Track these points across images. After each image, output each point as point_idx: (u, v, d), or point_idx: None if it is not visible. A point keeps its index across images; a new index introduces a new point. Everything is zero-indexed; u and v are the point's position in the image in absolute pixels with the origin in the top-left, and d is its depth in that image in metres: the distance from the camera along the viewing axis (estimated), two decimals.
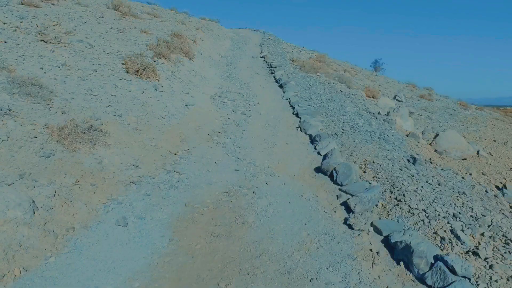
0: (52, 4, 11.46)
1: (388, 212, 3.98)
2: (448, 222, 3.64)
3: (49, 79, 6.79)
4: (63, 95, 6.42)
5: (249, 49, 16.06)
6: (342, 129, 6.58)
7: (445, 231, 3.53)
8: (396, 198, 4.17)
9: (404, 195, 4.16)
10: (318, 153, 5.81)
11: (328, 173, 5.07)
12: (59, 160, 4.91)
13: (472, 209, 3.91)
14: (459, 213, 3.83)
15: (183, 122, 7.30)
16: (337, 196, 4.59)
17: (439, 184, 4.62)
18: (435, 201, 4.03)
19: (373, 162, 5.15)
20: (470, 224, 3.61)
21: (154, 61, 9.44)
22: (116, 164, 5.36)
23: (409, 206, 3.96)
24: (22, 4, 10.14)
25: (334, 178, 4.89)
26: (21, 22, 8.82)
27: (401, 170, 4.90)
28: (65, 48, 8.33)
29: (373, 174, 4.86)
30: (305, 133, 6.65)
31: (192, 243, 3.78)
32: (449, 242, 3.37)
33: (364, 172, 4.97)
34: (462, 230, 3.53)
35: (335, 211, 4.26)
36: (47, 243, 3.63)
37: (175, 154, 5.97)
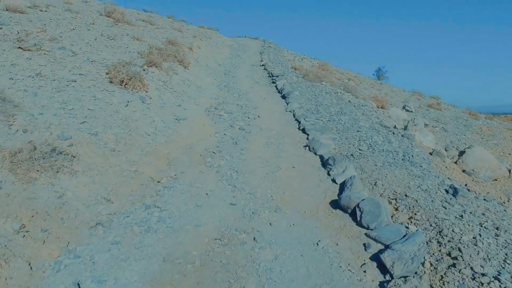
0: (40, 10, 10.34)
1: (442, 277, 2.76)
2: None
3: (17, 90, 5.63)
4: (30, 110, 5.25)
5: (248, 57, 14.93)
6: (359, 149, 5.38)
7: None
8: (449, 254, 2.95)
9: (460, 250, 2.94)
10: (333, 180, 4.60)
11: (349, 211, 3.86)
12: (5, 195, 3.72)
13: None
14: None
15: (172, 140, 6.10)
16: (364, 245, 3.37)
17: (497, 229, 3.40)
18: (507, 261, 2.81)
19: (406, 195, 3.94)
20: None
21: (144, 70, 8.28)
22: (82, 197, 4.15)
23: (471, 269, 2.73)
24: (7, 10, 9.02)
25: (358, 218, 3.67)
26: (0, 28, 7.68)
27: (444, 208, 3.68)
28: (44, 56, 7.15)
29: (409, 213, 3.65)
30: (315, 154, 5.45)
31: None
32: None
33: (396, 210, 3.75)
34: None
35: (364, 271, 3.04)
36: None
37: (158, 182, 4.77)
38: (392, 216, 3.66)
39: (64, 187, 4.16)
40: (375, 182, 4.30)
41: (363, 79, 17.22)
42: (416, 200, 3.80)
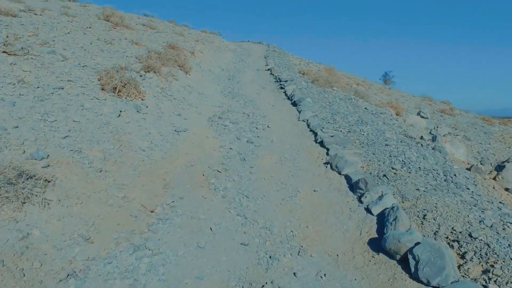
0: (35, 14, 9.46)
1: None
2: None
3: None
4: (4, 123, 4.34)
5: (253, 62, 14.00)
6: (392, 168, 4.40)
7: None
8: None
9: None
10: (368, 210, 3.62)
11: (398, 257, 2.88)
12: None
13: None
14: None
15: (170, 155, 5.14)
16: None
17: None
18: None
19: (471, 235, 2.95)
20: None
21: (141, 76, 7.36)
22: (53, 237, 3.19)
23: None
24: None
25: (412, 269, 2.69)
26: None
27: None
28: (31, 61, 6.24)
29: (482, 264, 2.66)
30: (339, 173, 4.47)
31: None
32: None
33: (463, 258, 2.76)
34: None
35: None
36: None
37: (151, 212, 3.80)
38: (459, 267, 2.68)
39: (31, 223, 3.20)
40: (424, 215, 3.32)
41: (371, 84, 16.26)
42: (488, 244, 2.81)
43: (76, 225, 3.38)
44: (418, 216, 3.34)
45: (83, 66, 6.87)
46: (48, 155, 4.11)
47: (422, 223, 3.23)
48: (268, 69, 11.88)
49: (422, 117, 11.37)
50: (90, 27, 9.90)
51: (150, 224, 3.56)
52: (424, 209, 3.42)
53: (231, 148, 5.49)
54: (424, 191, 3.81)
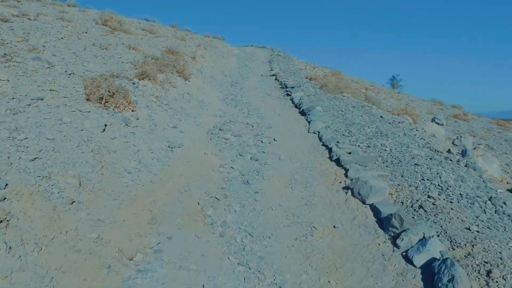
0: (28, 19, 8.68)
1: None
2: None
3: None
4: None
5: (257, 67, 13.13)
6: (429, 196, 3.49)
7: None
8: None
9: None
10: (406, 258, 2.71)
11: None
12: None
13: None
14: None
15: (161, 178, 4.27)
16: None
17: None
18: None
19: None
20: None
21: (133, 83, 6.52)
22: None
23: None
24: None
25: None
26: None
27: None
28: (13, 68, 5.44)
29: None
30: (363, 202, 3.56)
31: None
32: None
33: None
34: None
35: None
36: None
37: (130, 259, 2.92)
38: None
39: None
40: (488, 271, 2.40)
41: (380, 89, 15.29)
42: None
43: (27, 284, 2.51)
44: (479, 272, 2.42)
45: (69, 74, 6.03)
46: (6, 185, 3.25)
47: (487, 284, 2.32)
48: (273, 75, 11.00)
49: (438, 123, 10.41)
50: (86, 32, 9.12)
51: (125, 279, 2.68)
52: (485, 262, 2.50)
53: (232, 168, 4.61)
54: (477, 231, 2.89)
